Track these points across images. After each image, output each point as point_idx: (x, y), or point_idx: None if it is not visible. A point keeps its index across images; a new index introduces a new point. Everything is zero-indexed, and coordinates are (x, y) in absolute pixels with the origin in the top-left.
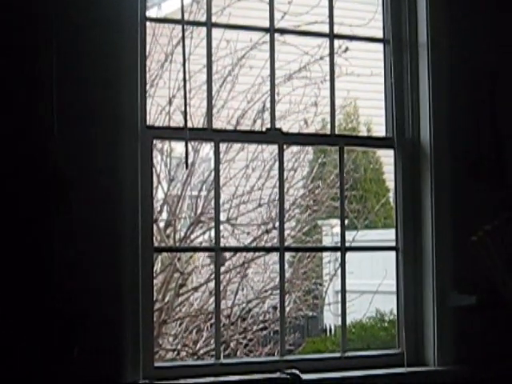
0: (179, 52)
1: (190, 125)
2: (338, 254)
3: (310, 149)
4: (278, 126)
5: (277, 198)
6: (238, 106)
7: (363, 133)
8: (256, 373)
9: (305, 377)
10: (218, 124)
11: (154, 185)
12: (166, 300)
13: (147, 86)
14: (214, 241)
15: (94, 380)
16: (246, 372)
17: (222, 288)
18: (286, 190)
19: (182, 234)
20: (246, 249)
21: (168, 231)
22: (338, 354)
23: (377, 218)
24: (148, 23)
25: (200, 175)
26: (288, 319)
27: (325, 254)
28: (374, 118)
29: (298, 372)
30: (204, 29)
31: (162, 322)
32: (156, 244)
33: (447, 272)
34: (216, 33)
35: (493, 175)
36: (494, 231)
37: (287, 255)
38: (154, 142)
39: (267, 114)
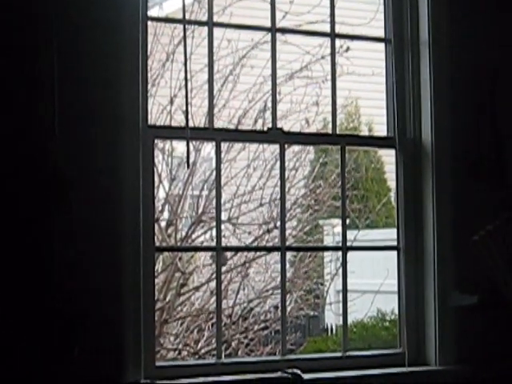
0: (180, 51)
1: (191, 124)
2: (340, 253)
3: (311, 148)
4: (279, 125)
5: (278, 197)
6: (239, 105)
7: (364, 132)
8: (257, 372)
9: (306, 376)
10: (219, 123)
11: (156, 184)
12: (167, 299)
13: (148, 86)
14: (215, 240)
15: (94, 380)
16: (247, 372)
17: (223, 287)
18: (287, 189)
19: (184, 234)
20: (248, 248)
21: (169, 231)
22: (339, 354)
23: (378, 218)
24: (149, 23)
25: (201, 175)
26: (289, 319)
27: (326, 253)
28: (375, 118)
29: (299, 371)
30: (205, 28)
31: (163, 321)
32: (157, 243)
33: (449, 272)
34: (217, 32)
35: (493, 175)
36: (496, 231)
37: (288, 255)
38: (156, 141)
39: (268, 114)
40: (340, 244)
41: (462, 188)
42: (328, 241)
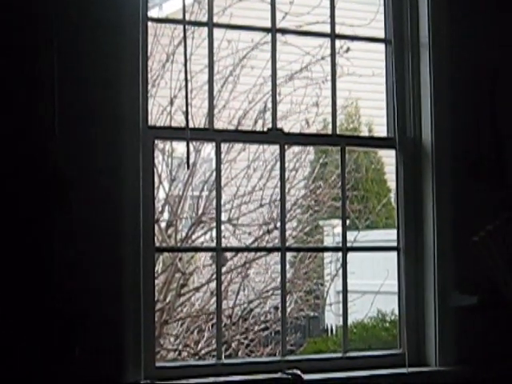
0: (181, 52)
1: (191, 125)
2: (340, 254)
3: (311, 149)
4: (279, 126)
5: (278, 198)
6: (239, 106)
7: (364, 133)
8: (257, 373)
9: (306, 377)
10: (219, 124)
11: (156, 185)
12: (167, 300)
13: (149, 86)
14: (215, 241)
15: (94, 380)
16: (248, 372)
17: (223, 288)
18: (287, 190)
19: (184, 234)
20: (248, 249)
21: (169, 231)
22: (339, 355)
23: (378, 219)
24: (149, 23)
25: (201, 175)
26: (289, 319)
27: (326, 254)
28: (375, 119)
29: (299, 372)
30: (205, 29)
31: (163, 322)
32: (157, 244)
33: (449, 272)
34: (217, 33)
35: (493, 175)
36: (496, 231)
37: (288, 255)
38: (156, 141)
39: (268, 114)
40: (340, 245)
41: (462, 188)
42: (328, 241)
